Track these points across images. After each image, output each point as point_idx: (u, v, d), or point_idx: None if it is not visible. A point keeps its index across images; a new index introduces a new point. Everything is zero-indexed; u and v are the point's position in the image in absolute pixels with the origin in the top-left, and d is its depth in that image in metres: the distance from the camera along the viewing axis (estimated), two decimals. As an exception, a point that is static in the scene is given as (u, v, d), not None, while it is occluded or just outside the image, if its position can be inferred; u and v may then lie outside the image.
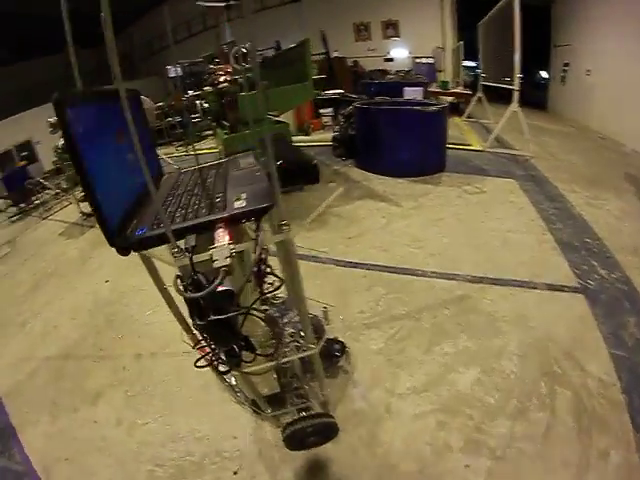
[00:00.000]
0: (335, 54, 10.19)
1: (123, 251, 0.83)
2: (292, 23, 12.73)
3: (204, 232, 0.82)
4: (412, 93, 6.42)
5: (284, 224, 0.90)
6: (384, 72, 10.90)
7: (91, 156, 0.81)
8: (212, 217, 0.84)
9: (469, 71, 10.69)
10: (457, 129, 6.89)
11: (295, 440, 1.42)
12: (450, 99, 8.20)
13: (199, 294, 0.70)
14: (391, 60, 11.44)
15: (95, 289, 3.07)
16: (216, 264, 0.74)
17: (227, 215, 0.84)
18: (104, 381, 2.11)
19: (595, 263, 2.64)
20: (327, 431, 1.45)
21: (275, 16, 13.17)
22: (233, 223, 0.85)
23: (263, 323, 1.13)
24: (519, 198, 3.83)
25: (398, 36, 11.31)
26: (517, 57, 4.83)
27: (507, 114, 5.11)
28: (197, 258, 0.77)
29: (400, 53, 11.26)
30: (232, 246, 0.76)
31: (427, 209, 3.74)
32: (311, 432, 1.41)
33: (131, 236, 0.84)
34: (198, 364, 0.95)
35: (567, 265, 2.64)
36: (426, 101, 5.70)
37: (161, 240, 0.81)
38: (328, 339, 1.74)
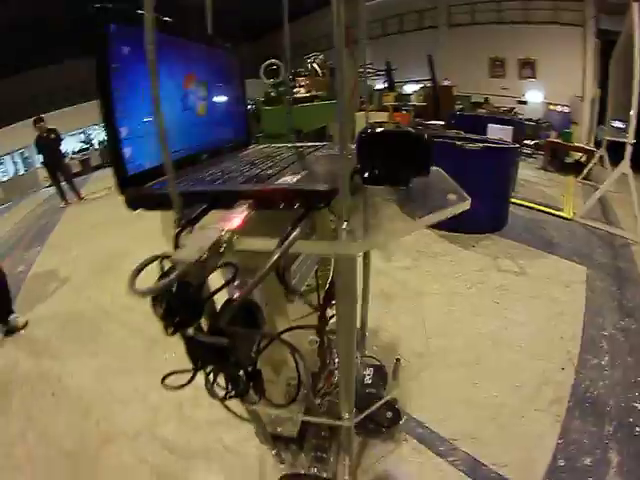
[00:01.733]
0: (445, 83, 9.56)
1: (130, 204, 0.65)
2: (426, 48, 12.55)
3: (222, 206, 0.58)
4: (497, 132, 5.11)
5: (346, 228, 0.54)
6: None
7: (131, 89, 0.65)
8: (233, 187, 0.61)
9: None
10: (560, 189, 5.52)
11: None
12: (578, 156, 6.95)
13: (145, 289, 0.44)
14: (524, 103, 10.49)
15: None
16: (176, 253, 0.47)
17: (254, 189, 0.60)
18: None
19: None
20: None
21: (409, 41, 13.15)
22: (263, 204, 0.57)
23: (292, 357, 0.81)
24: (571, 295, 2.64)
25: (534, 77, 10.32)
26: (636, 97, 3.67)
27: (614, 176, 4.00)
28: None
29: (534, 97, 10.25)
30: (228, 235, 0.48)
31: (420, 278, 2.86)
32: None
33: (143, 188, 0.65)
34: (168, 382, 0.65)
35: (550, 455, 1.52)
36: (504, 143, 4.47)
37: (167, 202, 0.60)
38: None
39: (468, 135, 4.56)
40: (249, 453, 1.51)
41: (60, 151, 7.16)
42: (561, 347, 2.14)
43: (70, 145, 12.02)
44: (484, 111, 8.46)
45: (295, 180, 0.61)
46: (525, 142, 7.62)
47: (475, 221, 3.47)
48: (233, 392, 0.71)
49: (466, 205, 0.84)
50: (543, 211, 4.39)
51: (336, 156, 0.76)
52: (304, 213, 0.54)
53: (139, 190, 0.66)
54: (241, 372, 0.70)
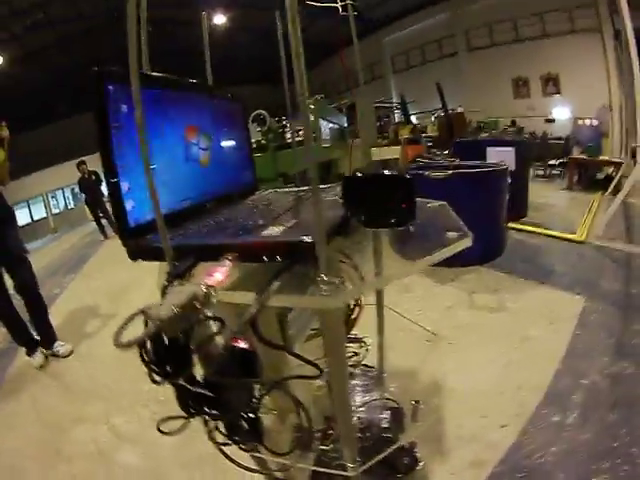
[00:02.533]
0: (459, 110, 9.38)
1: (130, 255, 0.68)
2: (448, 76, 12.63)
3: (209, 259, 0.59)
4: (497, 155, 4.66)
5: (324, 280, 0.52)
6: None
7: (132, 143, 0.70)
8: (216, 241, 0.62)
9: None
10: (581, 208, 4.90)
11: None
12: (610, 170, 6.32)
13: (124, 342, 0.45)
14: (552, 121, 10.18)
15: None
16: (152, 309, 0.47)
17: (237, 243, 0.61)
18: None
19: None
20: None
21: (431, 71, 13.30)
22: (246, 257, 0.58)
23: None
24: (552, 334, 2.21)
25: (559, 92, 10.01)
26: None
27: (628, 185, 3.63)
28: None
29: (561, 113, 9.95)
30: (205, 290, 0.48)
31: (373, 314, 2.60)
32: None
33: (142, 240, 0.68)
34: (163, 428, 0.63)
35: None
36: (495, 166, 4.03)
37: (161, 254, 0.62)
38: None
39: (463, 162, 4.36)
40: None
41: (100, 191, 7.70)
42: (514, 399, 1.71)
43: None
44: (485, 135, 8.04)
45: (281, 231, 0.62)
46: (550, 162, 7.34)
47: (458, 253, 3.18)
48: (231, 440, 0.71)
49: (467, 242, 0.82)
50: (552, 236, 3.98)
51: (335, 201, 0.78)
52: (286, 265, 0.54)
53: (138, 242, 0.69)
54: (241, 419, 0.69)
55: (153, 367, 0.51)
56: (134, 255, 0.69)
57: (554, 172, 7.51)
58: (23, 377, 2.52)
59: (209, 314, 0.51)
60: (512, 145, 4.79)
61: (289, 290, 0.54)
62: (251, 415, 0.69)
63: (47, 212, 14.31)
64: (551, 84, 10.03)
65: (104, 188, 8.02)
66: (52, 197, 14.29)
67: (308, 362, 0.60)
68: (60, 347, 2.72)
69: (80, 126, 14.65)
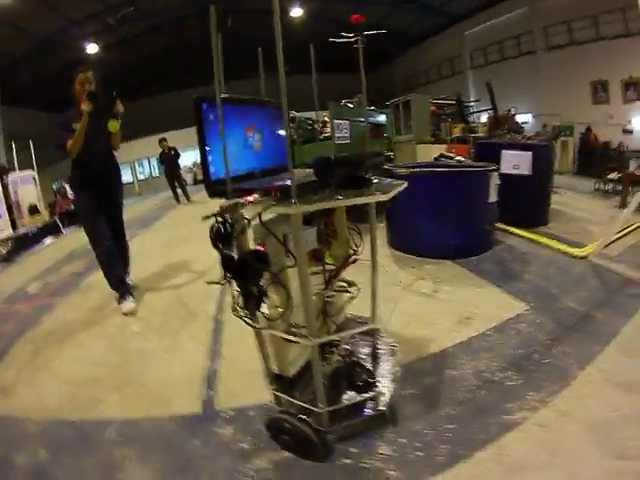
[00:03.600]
0: (513, 111, 8.95)
1: (211, 195, 1.32)
2: (525, 75, 12.15)
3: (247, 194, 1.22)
4: (512, 158, 4.46)
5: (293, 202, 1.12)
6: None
7: (216, 136, 1.33)
8: (249, 186, 1.27)
9: None
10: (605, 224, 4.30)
11: (272, 427, 1.46)
12: None
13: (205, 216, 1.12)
14: (630, 132, 9.48)
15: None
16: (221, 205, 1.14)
17: (259, 187, 1.25)
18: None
19: None
20: (305, 446, 1.38)
21: (508, 69, 12.85)
22: (263, 193, 1.21)
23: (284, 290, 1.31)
24: (453, 328, 2.26)
25: (640, 99, 9.20)
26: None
27: (635, 202, 3.24)
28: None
29: (640, 123, 9.22)
30: (242, 201, 1.14)
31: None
32: (289, 432, 1.39)
33: (217, 187, 1.32)
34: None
35: None
36: (481, 166, 4.01)
37: (224, 193, 1.26)
38: (354, 362, 1.63)
39: (469, 163, 4.54)
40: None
41: (177, 164, 9.02)
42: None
43: (187, 160, 14.70)
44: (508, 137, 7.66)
45: (282, 183, 1.23)
46: (609, 176, 6.89)
47: (427, 245, 3.49)
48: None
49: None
50: (552, 247, 3.71)
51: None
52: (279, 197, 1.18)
53: (215, 188, 1.32)
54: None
55: (216, 241, 1.16)
56: (212, 195, 1.32)
57: (618, 188, 7.00)
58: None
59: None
60: (529, 149, 4.56)
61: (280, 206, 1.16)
62: (259, 290, 1.30)
63: (133, 178, 16.51)
64: (632, 89, 9.24)
65: (181, 162, 9.32)
66: (139, 165, 16.43)
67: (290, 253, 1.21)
68: (132, 279, 3.14)
69: (163, 105, 16.54)
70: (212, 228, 1.17)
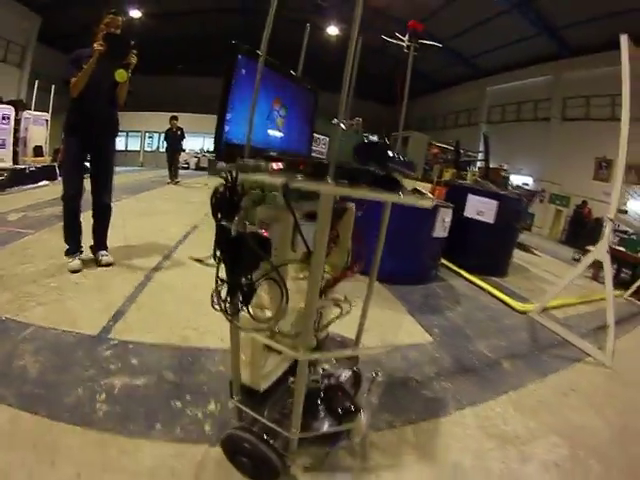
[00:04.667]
0: (505, 166, 9.15)
1: (220, 155, 1.10)
2: (537, 139, 12.37)
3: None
4: (479, 204, 4.34)
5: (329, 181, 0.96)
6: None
7: (241, 94, 1.11)
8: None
9: None
10: (578, 293, 4.14)
11: (229, 444, 1.20)
12: None
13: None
14: (625, 212, 9.65)
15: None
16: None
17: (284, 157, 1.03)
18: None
19: None
20: (265, 472, 1.13)
21: (521, 130, 13.08)
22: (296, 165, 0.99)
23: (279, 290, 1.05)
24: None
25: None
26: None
27: (584, 264, 3.06)
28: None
29: (636, 207, 9.42)
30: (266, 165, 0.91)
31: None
32: (248, 453, 1.14)
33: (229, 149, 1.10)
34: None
35: None
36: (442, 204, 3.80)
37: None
38: (335, 385, 1.38)
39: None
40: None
41: (180, 145, 8.84)
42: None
43: (193, 144, 14.70)
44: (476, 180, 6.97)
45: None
46: (587, 247, 6.72)
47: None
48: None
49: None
50: (496, 297, 3.56)
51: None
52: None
53: (228, 149, 1.10)
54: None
55: (216, 208, 0.92)
56: (222, 157, 1.09)
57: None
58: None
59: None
60: (496, 198, 4.46)
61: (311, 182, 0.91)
62: (250, 283, 1.06)
63: (141, 147, 16.10)
64: (633, 172, 9.44)
65: (185, 145, 9.12)
66: (149, 137, 16.02)
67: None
68: (104, 256, 2.80)
69: (186, 86, 16.35)
70: (216, 192, 0.92)
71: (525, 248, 6.81)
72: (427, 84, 17.00)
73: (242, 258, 0.99)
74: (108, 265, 2.78)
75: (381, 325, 2.42)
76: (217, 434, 1.31)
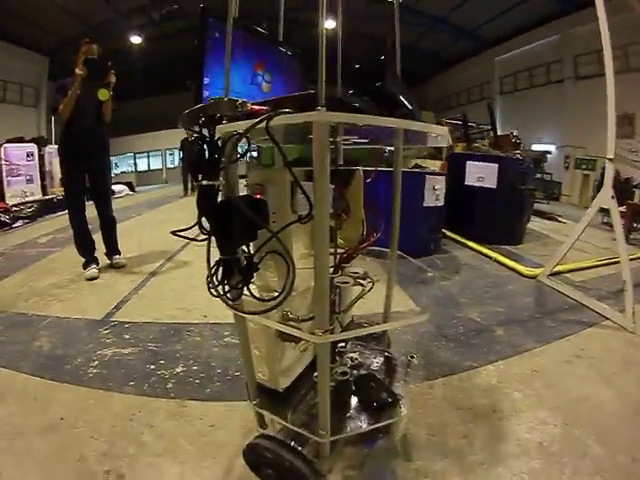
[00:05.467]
0: (515, 132, 8.43)
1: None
2: (552, 105, 11.68)
3: None
4: (478, 170, 4.07)
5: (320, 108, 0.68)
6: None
7: (218, 58, 0.94)
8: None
9: None
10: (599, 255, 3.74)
11: (251, 455, 1.02)
12: None
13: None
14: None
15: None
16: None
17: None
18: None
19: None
20: (291, 478, 0.95)
21: (536, 97, 12.38)
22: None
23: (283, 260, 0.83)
24: None
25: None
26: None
27: (590, 214, 2.67)
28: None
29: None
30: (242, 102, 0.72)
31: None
32: (272, 464, 0.97)
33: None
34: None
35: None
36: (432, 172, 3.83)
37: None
38: (366, 374, 1.21)
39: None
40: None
41: None
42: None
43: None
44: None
45: None
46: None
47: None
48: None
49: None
50: (503, 264, 3.32)
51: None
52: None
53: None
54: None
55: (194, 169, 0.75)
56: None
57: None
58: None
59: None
60: (496, 161, 4.15)
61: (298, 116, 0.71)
62: (249, 258, 0.87)
63: (163, 165, 16.47)
64: None
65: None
66: (170, 154, 16.34)
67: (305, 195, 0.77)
68: (117, 259, 3.14)
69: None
70: (191, 146, 0.77)
71: (548, 216, 6.44)
72: (436, 64, 16.43)
73: (234, 226, 0.80)
74: (121, 267, 3.13)
75: (364, 299, 2.19)
76: (177, 390, 1.54)
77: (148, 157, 15.78)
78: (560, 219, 6.47)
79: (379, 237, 1.23)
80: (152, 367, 1.70)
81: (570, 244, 2.77)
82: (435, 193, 3.47)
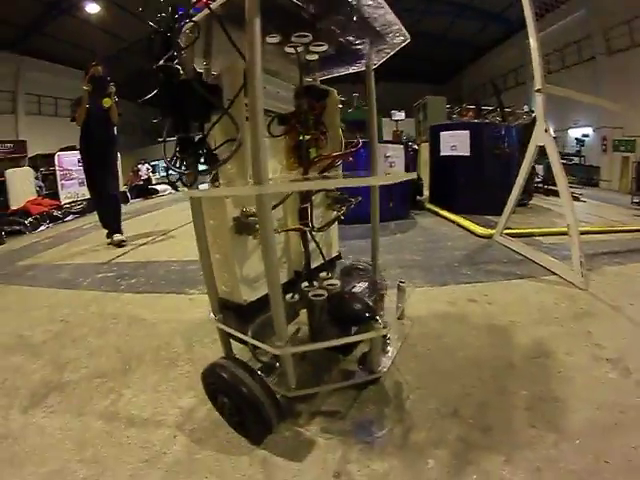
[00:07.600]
0: (525, 109, 7.65)
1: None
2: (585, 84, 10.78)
3: None
4: (450, 140, 3.91)
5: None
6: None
7: None
8: None
9: None
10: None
11: (209, 379, 0.94)
12: None
13: None
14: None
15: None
16: None
17: None
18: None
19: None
20: (248, 410, 0.84)
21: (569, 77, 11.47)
22: None
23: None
24: None
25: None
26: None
27: (530, 150, 2.33)
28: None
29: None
30: None
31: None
32: (227, 389, 0.87)
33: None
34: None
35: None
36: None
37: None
38: (344, 292, 1.11)
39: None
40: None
41: None
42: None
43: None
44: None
45: None
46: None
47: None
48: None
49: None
50: (464, 227, 3.17)
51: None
52: None
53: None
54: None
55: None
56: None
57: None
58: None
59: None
60: (466, 128, 3.91)
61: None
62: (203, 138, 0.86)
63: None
64: None
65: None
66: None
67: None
68: (116, 236, 3.53)
69: None
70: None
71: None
72: (469, 52, 15.80)
73: (188, 103, 0.81)
74: (120, 242, 3.50)
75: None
76: (126, 289, 2.26)
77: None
78: (580, 197, 6.04)
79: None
80: (120, 281, 2.43)
81: (507, 212, 2.57)
82: (388, 162, 3.48)
